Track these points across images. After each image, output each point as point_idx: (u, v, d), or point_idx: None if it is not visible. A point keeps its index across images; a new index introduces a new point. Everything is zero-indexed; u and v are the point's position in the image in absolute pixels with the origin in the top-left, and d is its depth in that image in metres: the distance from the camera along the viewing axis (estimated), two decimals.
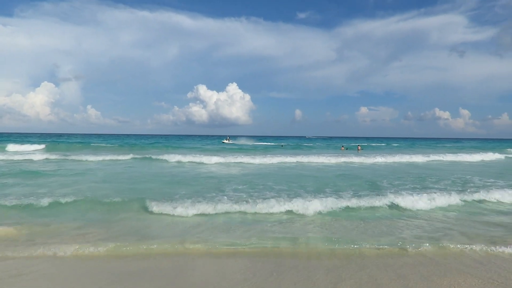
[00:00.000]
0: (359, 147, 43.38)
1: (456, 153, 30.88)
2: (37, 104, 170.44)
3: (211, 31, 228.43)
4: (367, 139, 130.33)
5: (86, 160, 20.42)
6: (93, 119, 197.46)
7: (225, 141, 59.53)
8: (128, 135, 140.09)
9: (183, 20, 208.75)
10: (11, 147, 31.98)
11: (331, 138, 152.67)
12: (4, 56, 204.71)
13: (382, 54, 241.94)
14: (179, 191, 9.99)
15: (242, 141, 63.00)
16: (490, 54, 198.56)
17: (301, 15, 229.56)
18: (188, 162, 20.42)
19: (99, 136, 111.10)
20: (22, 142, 40.90)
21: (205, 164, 19.64)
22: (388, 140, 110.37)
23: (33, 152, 27.92)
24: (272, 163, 20.32)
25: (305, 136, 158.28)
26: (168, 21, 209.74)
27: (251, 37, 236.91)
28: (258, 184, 11.60)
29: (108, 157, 21.66)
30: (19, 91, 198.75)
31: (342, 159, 22.61)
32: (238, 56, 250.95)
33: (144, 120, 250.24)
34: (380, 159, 23.08)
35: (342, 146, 46.06)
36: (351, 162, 21.87)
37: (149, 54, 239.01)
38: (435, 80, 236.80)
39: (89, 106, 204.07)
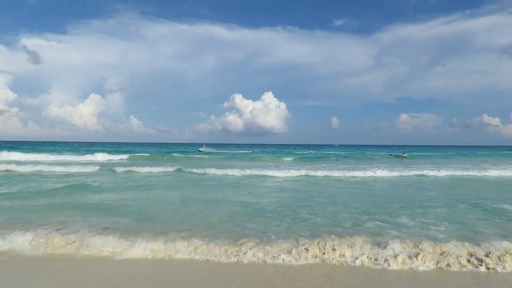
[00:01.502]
0: (405, 154, 42.01)
1: None
2: (85, 114, 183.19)
3: (248, 41, 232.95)
4: (409, 147, 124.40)
5: (232, 175, 17.87)
6: (135, 128, 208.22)
7: (201, 149, 59.00)
8: (167, 144, 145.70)
9: (220, 31, 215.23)
10: (100, 156, 33.00)
11: (356, 146, 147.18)
12: (59, 71, 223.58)
13: (423, 59, 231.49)
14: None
15: (209, 149, 61.28)
16: None
17: (338, 22, 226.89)
18: (256, 175, 17.55)
19: (147, 145, 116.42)
20: (89, 151, 41.79)
21: (274, 177, 17.12)
22: (431, 148, 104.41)
23: (125, 162, 29.48)
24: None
25: (332, 145, 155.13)
26: (205, 33, 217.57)
27: (287, 46, 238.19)
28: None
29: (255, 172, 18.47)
30: (70, 102, 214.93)
31: (412, 172, 19.19)
32: (274, 65, 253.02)
33: (182, 129, 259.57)
34: (446, 172, 19.43)
35: (391, 154, 45.08)
36: (422, 175, 18.46)
37: (187, 65, 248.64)
38: (482, 85, 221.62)
39: (131, 116, 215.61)
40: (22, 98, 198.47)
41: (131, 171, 19.32)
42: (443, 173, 19.10)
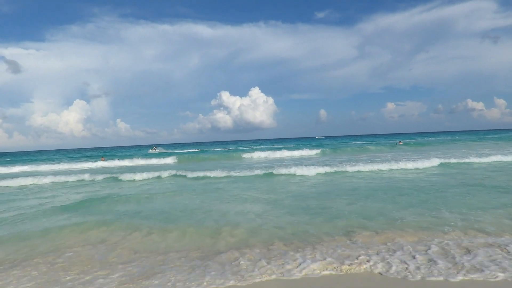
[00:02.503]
0: (400, 142, 42.87)
1: None
2: (71, 121, 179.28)
3: (231, 38, 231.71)
4: (397, 135, 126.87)
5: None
6: (123, 132, 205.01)
7: (151, 150, 58.54)
8: (186, 144, 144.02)
9: (203, 30, 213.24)
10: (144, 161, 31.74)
11: (340, 136, 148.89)
12: (40, 79, 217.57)
13: (405, 47, 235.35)
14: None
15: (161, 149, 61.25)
16: None
17: (320, 15, 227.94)
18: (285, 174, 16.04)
19: (134, 147, 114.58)
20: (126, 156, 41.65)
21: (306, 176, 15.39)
22: (421, 135, 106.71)
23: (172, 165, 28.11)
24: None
25: (315, 137, 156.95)
26: (188, 32, 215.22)
27: (270, 41, 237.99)
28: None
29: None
30: (54, 110, 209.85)
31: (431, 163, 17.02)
32: (259, 61, 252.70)
33: (171, 130, 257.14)
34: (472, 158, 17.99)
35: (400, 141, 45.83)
36: (470, 162, 17.05)
37: (171, 66, 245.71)
38: (465, 70, 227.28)
39: (118, 120, 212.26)
40: (5, 109, 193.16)
41: (199, 177, 16.67)
42: (487, 159, 17.94)
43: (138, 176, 17.36)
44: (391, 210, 7.84)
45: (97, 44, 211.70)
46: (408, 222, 6.72)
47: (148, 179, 17.10)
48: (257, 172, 16.80)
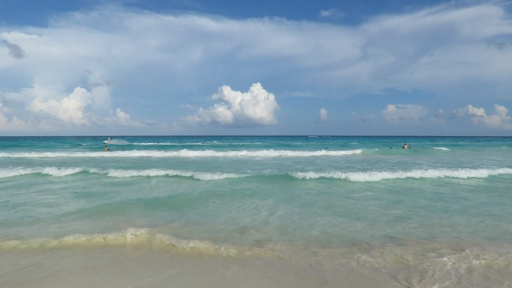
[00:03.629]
0: (406, 146, 41.96)
1: None
2: (71, 109, 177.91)
3: (235, 32, 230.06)
4: (396, 138, 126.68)
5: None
6: (123, 122, 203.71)
7: (106, 141, 58.22)
8: (157, 137, 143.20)
9: (207, 23, 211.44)
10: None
11: (337, 137, 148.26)
12: (41, 65, 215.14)
13: (409, 50, 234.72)
14: None
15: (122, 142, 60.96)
16: None
17: (325, 13, 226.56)
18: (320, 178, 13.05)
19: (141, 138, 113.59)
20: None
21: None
22: (421, 139, 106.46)
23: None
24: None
25: (307, 136, 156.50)
26: (192, 24, 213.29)
27: (274, 37, 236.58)
28: None
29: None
30: (54, 97, 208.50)
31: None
32: (261, 57, 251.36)
33: (171, 122, 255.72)
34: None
35: (405, 144, 43.99)
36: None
37: (174, 57, 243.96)
38: (468, 76, 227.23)
39: (118, 110, 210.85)
40: (5, 93, 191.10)
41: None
42: None
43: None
44: None
45: (100, 32, 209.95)
46: None
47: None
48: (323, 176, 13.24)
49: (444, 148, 40.92)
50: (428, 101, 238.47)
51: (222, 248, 5.20)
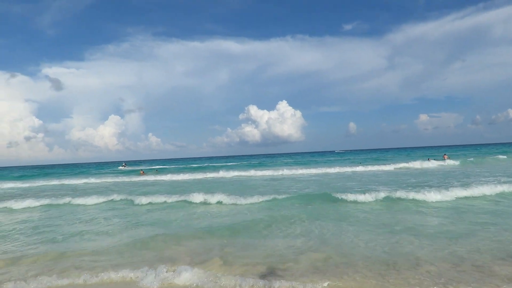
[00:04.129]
0: (446, 156, 39.85)
1: None
2: (106, 135, 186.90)
3: (259, 52, 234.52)
4: (430, 148, 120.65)
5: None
6: (154, 145, 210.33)
7: (121, 167, 58.41)
8: (187, 159, 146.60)
9: (231, 45, 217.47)
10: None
11: (373, 150, 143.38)
12: (78, 96, 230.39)
13: (438, 57, 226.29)
14: None
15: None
16: None
17: (347, 27, 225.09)
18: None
19: (171, 160, 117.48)
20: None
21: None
22: (461, 148, 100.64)
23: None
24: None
25: (334, 151, 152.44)
26: (217, 48, 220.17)
27: (298, 54, 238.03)
28: None
29: None
30: (91, 125, 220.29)
31: None
32: (286, 74, 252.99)
33: (200, 143, 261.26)
34: None
35: (445, 155, 41.74)
36: None
37: (201, 81, 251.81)
38: (504, 78, 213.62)
39: (150, 134, 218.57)
40: (47, 124, 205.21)
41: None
42: None
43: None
44: None
45: (131, 61, 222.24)
46: None
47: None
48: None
49: (502, 156, 38.22)
50: (463, 108, 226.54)
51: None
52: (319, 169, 29.57)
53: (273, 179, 23.50)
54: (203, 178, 27.67)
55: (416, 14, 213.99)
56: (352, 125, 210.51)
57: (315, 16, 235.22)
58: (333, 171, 27.62)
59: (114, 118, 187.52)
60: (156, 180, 28.28)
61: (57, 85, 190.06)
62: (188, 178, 28.32)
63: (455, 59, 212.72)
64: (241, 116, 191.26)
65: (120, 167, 59.45)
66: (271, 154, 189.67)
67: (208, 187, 19.66)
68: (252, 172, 29.61)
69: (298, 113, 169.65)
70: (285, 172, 28.60)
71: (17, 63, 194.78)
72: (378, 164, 32.28)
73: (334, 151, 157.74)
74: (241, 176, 28.04)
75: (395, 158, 47.39)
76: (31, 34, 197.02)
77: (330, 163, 42.68)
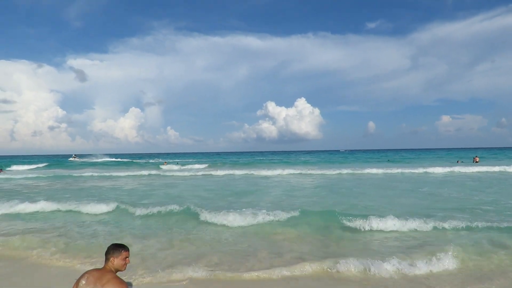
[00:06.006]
0: (477, 158, 39.52)
1: None
2: (126, 127, 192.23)
3: (279, 49, 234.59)
4: (452, 150, 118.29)
5: None
6: (172, 139, 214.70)
7: (71, 159, 59.32)
8: (204, 153, 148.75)
9: (252, 41, 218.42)
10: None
11: (389, 150, 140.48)
12: (101, 87, 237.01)
13: (464, 58, 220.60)
14: None
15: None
16: None
17: (371, 25, 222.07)
18: None
19: (188, 154, 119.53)
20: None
21: None
22: (486, 151, 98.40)
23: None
24: None
25: (338, 150, 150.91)
26: (238, 44, 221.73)
27: (319, 52, 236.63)
28: None
29: None
30: (112, 117, 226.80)
31: None
32: (306, 72, 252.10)
33: (217, 138, 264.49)
34: None
35: (476, 157, 40.31)
36: None
37: (220, 76, 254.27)
38: None
39: (168, 127, 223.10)
40: (70, 115, 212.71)
41: None
42: None
43: None
44: None
45: (153, 55, 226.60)
46: None
47: None
48: None
49: None
50: (488, 110, 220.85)
51: None
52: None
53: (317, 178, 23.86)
54: (242, 175, 27.69)
55: (443, 14, 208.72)
56: (371, 125, 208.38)
57: (338, 13, 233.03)
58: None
59: (134, 111, 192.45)
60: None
61: (81, 76, 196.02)
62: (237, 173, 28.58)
63: (481, 60, 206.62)
64: (258, 112, 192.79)
65: (71, 159, 59.86)
66: (288, 151, 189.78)
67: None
68: (281, 172, 28.08)
69: (317, 111, 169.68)
70: (323, 171, 28.15)
71: (44, 54, 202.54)
72: (423, 166, 29.67)
73: (339, 150, 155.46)
74: (274, 175, 27.47)
75: (421, 160, 47.12)
76: (58, 25, 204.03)
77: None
